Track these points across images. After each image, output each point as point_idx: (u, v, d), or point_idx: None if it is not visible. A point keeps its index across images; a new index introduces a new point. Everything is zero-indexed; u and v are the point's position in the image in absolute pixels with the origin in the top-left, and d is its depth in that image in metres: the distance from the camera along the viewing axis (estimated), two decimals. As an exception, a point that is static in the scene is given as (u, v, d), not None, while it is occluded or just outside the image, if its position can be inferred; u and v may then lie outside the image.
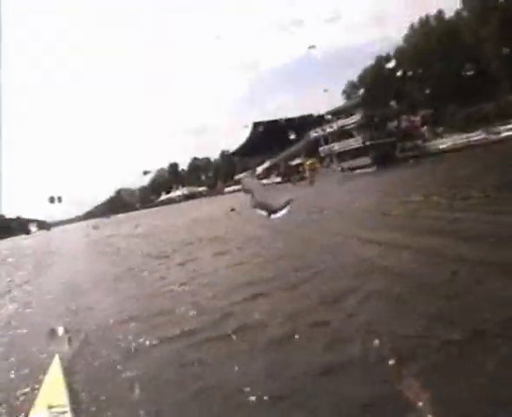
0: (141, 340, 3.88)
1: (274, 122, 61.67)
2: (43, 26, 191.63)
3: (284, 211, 2.81)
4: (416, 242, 5.77)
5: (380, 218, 8.94)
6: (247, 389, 2.59)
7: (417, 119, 41.50)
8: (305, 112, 60.18)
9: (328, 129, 45.48)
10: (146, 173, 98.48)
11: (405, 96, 43.34)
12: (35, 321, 5.78)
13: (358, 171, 34.12)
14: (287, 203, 2.78)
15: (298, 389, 2.55)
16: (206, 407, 2.56)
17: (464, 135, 32.36)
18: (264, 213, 2.79)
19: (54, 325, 3.96)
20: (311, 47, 38.88)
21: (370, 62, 52.95)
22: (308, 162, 43.00)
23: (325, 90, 50.62)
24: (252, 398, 2.50)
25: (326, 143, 45.35)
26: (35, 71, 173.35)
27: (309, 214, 11.54)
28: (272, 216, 2.76)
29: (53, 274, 10.78)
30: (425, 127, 39.79)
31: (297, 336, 3.33)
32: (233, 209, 20.05)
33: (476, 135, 31.21)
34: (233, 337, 3.54)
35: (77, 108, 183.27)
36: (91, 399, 2.87)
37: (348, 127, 42.46)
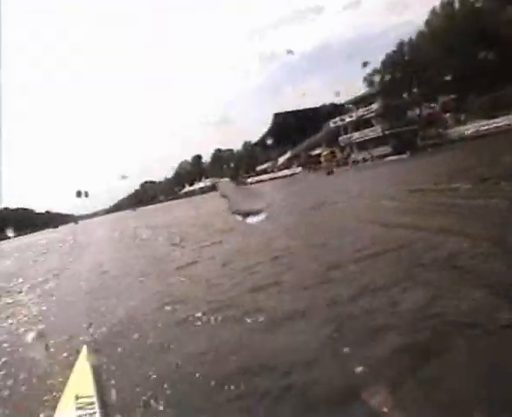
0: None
1: (295, 113, 61.60)
2: (43, 26, 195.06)
3: (260, 217, 2.89)
4: (412, 223, 6.20)
5: (388, 204, 9.18)
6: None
7: (439, 106, 40.81)
8: (326, 101, 59.81)
9: (347, 119, 44.94)
10: (123, 177, 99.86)
11: (427, 83, 42.54)
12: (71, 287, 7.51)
13: (390, 158, 33.60)
14: (261, 210, 2.88)
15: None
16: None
17: (487, 122, 31.75)
18: (240, 218, 2.93)
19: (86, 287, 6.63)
20: (289, 52, 38.71)
21: (391, 48, 52.07)
22: (324, 153, 42.83)
23: (337, 94, 49.70)
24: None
25: (346, 133, 44.92)
26: (35, 71, 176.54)
27: (319, 202, 12.21)
28: (248, 221, 2.86)
29: (83, 262, 11.51)
30: (448, 114, 39.11)
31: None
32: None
33: (500, 122, 30.63)
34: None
35: (96, 105, 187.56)
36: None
37: (367, 116, 41.88)
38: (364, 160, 38.69)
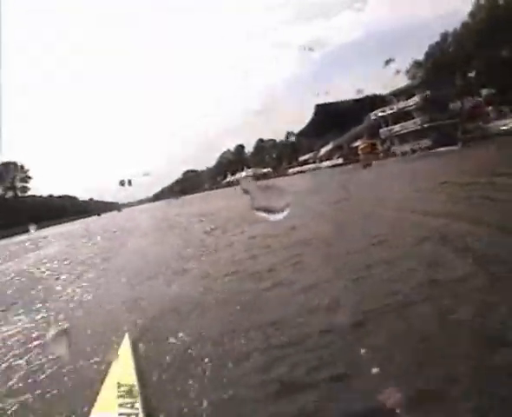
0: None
1: (337, 104, 61.83)
2: (43, 26, 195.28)
3: (282, 214, 2.78)
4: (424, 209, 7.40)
5: (415, 195, 10.25)
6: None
7: (482, 99, 40.34)
8: (369, 92, 59.68)
9: (388, 111, 45.13)
10: (145, 175, 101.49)
11: (470, 75, 42.20)
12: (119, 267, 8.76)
13: (440, 149, 32.92)
14: (285, 206, 2.77)
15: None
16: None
17: None
18: (263, 214, 2.83)
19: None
20: (310, 49, 38.82)
21: (435, 39, 51.35)
22: (361, 146, 43.05)
23: (398, 72, 48.95)
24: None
25: (387, 125, 45.22)
26: (35, 71, 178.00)
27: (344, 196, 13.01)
28: (271, 218, 2.75)
29: (127, 247, 12.88)
30: (490, 107, 38.91)
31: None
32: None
33: None
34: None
35: (129, 99, 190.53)
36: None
37: (408, 108, 42.04)
38: (413, 151, 38.74)
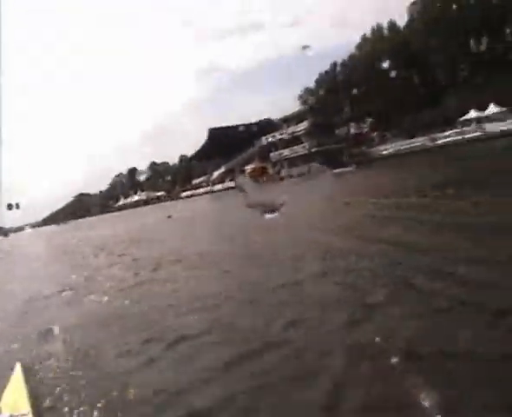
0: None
1: (230, 128, 61.65)
2: (43, 26, 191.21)
3: (278, 212, 2.77)
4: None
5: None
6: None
7: (367, 125, 42.38)
8: (262, 117, 60.28)
9: (278, 136, 45.83)
10: (141, 173, 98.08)
11: (356, 103, 44.06)
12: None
13: (336, 171, 32.13)
14: (282, 204, 2.84)
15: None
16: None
17: (408, 141, 33.38)
18: (258, 213, 2.77)
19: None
20: (305, 47, 39.22)
21: (325, 68, 53.48)
22: (249, 169, 43.25)
23: (276, 110, 49.98)
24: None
25: (277, 149, 45.72)
26: (35, 71, 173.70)
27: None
28: (267, 216, 2.76)
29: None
30: (374, 133, 40.65)
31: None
32: (169, 216, 21.03)
33: (418, 142, 32.27)
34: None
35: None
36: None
37: (298, 133, 43.03)
38: (309, 172, 38.75)
